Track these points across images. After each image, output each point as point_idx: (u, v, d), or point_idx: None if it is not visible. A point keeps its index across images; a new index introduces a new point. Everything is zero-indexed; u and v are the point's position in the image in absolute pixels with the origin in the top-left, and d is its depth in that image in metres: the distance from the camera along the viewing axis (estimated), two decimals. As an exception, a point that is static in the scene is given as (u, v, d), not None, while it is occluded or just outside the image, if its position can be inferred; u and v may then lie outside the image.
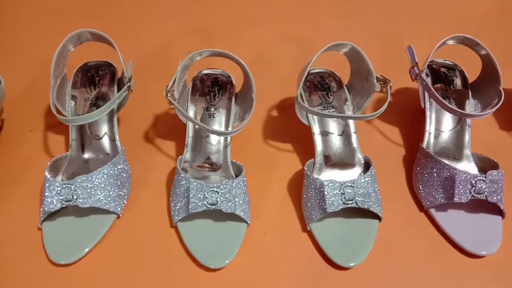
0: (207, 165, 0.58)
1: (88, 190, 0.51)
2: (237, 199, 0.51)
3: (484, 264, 0.51)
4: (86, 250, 0.50)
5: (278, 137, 0.65)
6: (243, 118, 0.60)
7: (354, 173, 0.57)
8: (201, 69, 0.63)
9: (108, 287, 0.49)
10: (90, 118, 0.53)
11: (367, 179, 0.52)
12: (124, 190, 0.55)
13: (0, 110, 0.64)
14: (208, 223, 0.52)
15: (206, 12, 0.87)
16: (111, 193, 0.53)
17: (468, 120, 0.60)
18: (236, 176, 0.56)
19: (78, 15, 0.85)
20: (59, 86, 0.58)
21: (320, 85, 0.63)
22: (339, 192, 0.50)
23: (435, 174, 0.54)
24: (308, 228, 0.53)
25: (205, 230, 0.52)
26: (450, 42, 0.59)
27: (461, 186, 0.51)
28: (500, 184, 0.51)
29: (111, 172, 0.53)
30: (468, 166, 0.57)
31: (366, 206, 0.50)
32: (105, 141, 0.59)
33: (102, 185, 0.52)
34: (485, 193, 0.51)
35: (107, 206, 0.52)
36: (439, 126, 0.61)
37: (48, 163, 0.54)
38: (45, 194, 0.50)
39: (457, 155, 0.59)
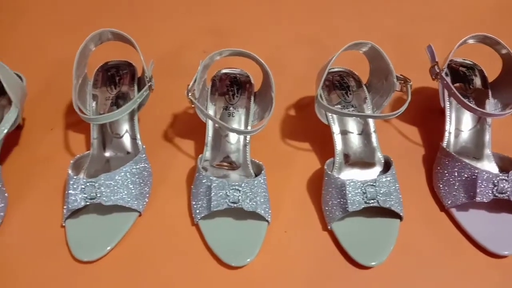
0: (225, 164, 0.58)
1: (111, 188, 0.51)
2: (258, 198, 0.51)
3: (506, 264, 0.51)
4: (109, 248, 0.51)
5: (295, 136, 0.65)
6: (262, 117, 0.60)
7: (374, 172, 0.57)
8: (219, 69, 0.63)
9: (130, 284, 0.50)
10: (113, 116, 0.53)
11: (388, 178, 0.52)
12: (146, 188, 0.55)
13: (22, 109, 0.65)
14: (229, 222, 0.53)
15: (220, 13, 0.87)
16: (133, 191, 0.53)
17: (489, 120, 0.59)
18: (255, 175, 0.56)
19: (95, 15, 0.86)
20: (80, 85, 0.58)
21: (339, 84, 0.63)
22: (361, 191, 0.50)
23: (456, 174, 0.54)
24: (329, 227, 0.53)
25: (227, 228, 0.52)
26: (471, 41, 0.59)
27: (483, 186, 0.51)
28: (523, 184, 0.51)
29: (133, 170, 0.54)
30: (488, 166, 0.57)
31: (387, 206, 0.50)
32: (126, 140, 0.60)
33: (125, 183, 0.52)
34: (508, 192, 0.50)
35: (129, 204, 0.52)
36: (459, 125, 0.61)
37: (71, 161, 0.54)
38: (69, 191, 0.51)
39: (477, 155, 0.58)
